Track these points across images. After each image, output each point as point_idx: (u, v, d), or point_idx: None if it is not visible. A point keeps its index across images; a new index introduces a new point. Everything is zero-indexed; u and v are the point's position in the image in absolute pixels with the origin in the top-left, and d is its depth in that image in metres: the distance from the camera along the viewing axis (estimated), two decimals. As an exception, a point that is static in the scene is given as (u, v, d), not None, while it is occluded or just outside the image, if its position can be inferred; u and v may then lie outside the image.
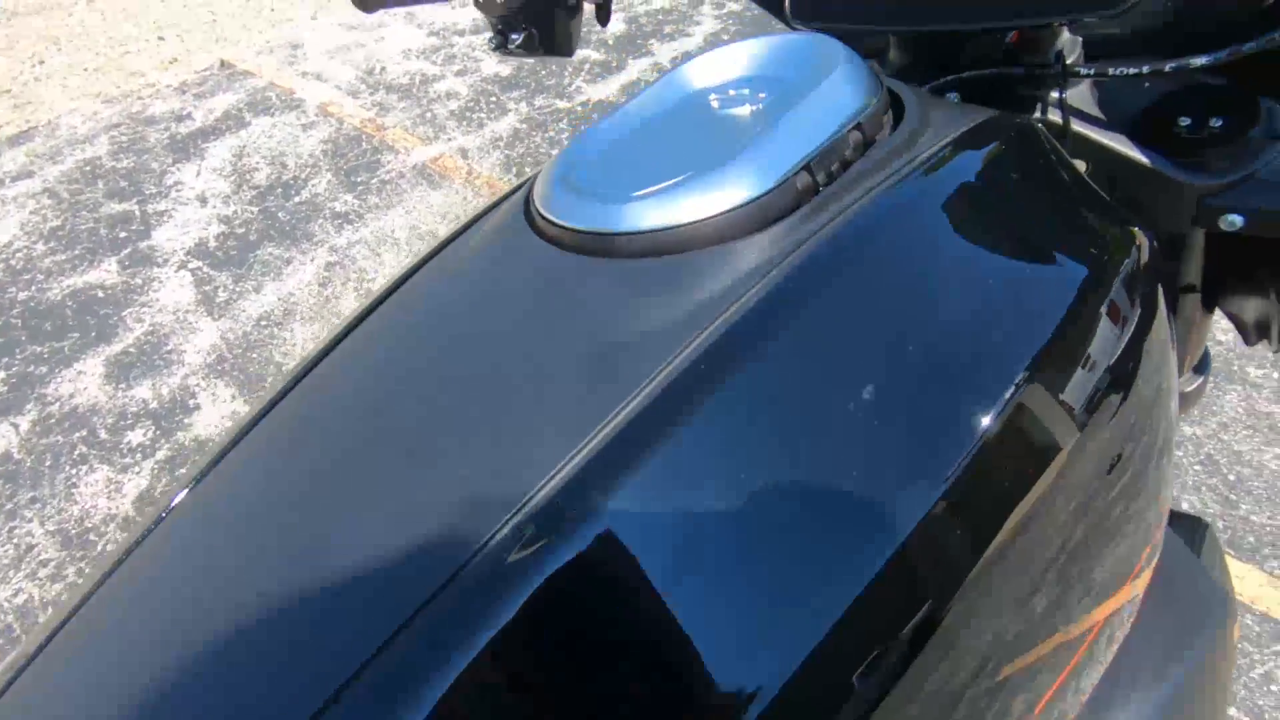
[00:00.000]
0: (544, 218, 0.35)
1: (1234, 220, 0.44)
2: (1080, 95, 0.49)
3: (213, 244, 2.28)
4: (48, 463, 1.69)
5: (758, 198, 0.31)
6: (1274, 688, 1.15)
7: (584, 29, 0.69)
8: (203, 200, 2.46)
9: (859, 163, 0.34)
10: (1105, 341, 0.33)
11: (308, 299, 2.10)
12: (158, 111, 2.92)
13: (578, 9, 0.67)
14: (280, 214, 2.39)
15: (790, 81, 0.37)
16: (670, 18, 3.64)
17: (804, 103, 0.35)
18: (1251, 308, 0.54)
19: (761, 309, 0.29)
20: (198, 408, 1.81)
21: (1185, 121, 0.45)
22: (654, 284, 0.31)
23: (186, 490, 0.32)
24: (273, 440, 0.33)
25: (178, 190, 2.51)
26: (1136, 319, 0.35)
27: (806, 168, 0.33)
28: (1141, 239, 0.37)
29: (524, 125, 2.69)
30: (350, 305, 2.09)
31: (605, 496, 0.24)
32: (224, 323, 2.03)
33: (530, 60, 1.05)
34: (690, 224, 0.31)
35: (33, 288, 2.16)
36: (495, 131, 2.68)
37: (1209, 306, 0.55)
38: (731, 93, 0.38)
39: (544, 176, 0.37)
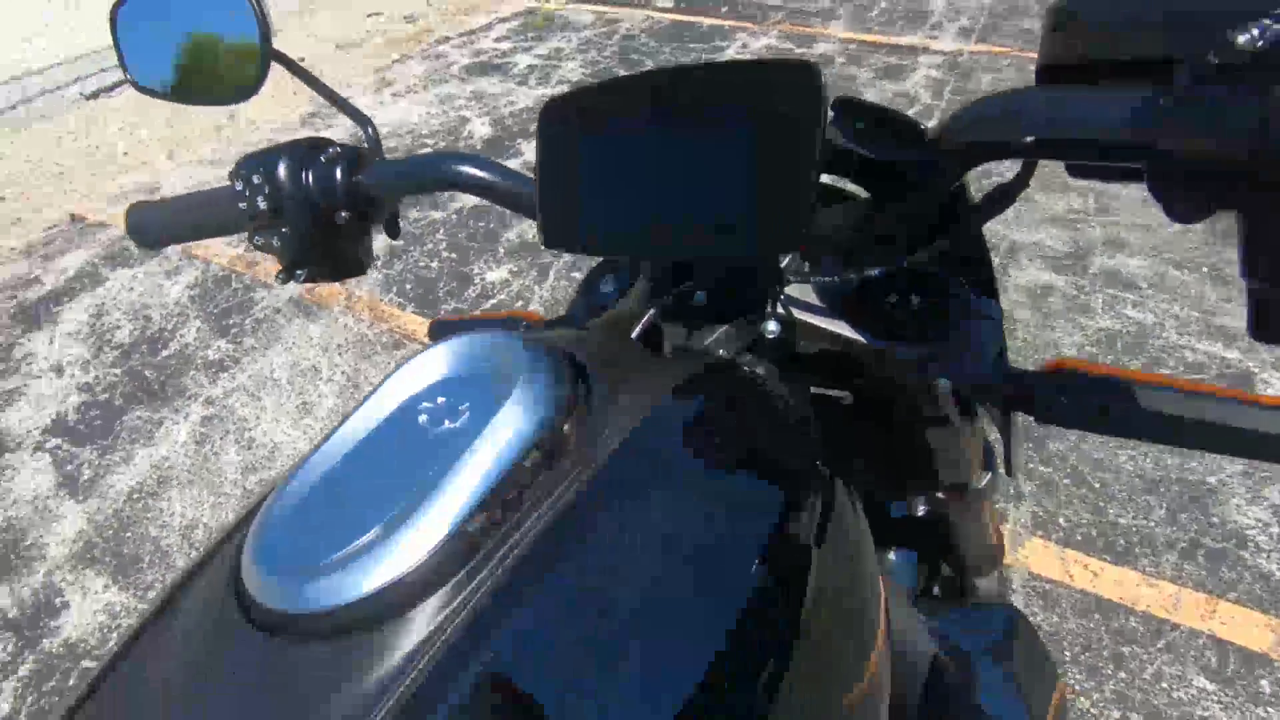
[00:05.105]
0: (247, 594, 0.33)
1: (944, 384, 0.51)
2: (806, 291, 0.55)
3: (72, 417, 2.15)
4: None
5: (427, 559, 0.31)
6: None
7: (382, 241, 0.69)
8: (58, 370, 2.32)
9: (540, 483, 0.34)
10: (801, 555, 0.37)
11: (184, 461, 1.99)
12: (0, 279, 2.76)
13: (365, 233, 0.67)
14: (147, 371, 2.28)
15: (488, 388, 0.38)
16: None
17: (486, 430, 0.34)
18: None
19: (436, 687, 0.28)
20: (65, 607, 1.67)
21: (892, 299, 0.53)
22: (339, 667, 0.30)
23: None
24: None
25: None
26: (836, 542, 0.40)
27: (482, 508, 0.32)
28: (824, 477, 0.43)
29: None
30: (231, 459, 1.99)
31: None
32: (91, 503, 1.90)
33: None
34: (366, 597, 0.30)
35: None
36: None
37: (963, 430, 0.60)
38: (438, 401, 0.38)
39: (251, 539, 0.35)
